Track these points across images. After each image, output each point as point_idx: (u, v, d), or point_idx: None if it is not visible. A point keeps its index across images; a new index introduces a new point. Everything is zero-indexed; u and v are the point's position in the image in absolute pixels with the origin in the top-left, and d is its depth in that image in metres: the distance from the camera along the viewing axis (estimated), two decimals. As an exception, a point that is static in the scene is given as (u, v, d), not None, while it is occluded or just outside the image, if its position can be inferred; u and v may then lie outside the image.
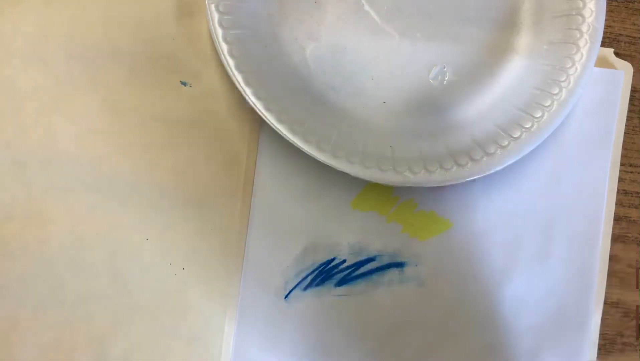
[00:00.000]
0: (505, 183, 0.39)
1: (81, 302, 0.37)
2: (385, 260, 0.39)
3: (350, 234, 0.39)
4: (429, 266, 0.39)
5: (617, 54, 0.40)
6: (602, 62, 0.40)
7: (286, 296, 0.38)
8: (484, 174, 0.36)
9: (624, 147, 0.40)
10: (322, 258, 0.39)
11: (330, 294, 0.39)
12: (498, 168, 0.36)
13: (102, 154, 0.37)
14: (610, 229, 0.40)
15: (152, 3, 0.37)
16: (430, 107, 0.39)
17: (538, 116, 0.37)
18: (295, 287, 0.38)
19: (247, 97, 0.35)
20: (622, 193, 0.40)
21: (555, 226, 0.40)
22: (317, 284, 0.39)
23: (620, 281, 0.41)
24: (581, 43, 0.37)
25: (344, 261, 0.39)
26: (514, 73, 0.39)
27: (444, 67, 0.39)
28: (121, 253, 0.37)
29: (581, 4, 0.37)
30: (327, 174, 0.38)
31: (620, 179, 0.40)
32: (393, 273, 0.39)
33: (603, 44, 0.39)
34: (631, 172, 0.41)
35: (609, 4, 0.40)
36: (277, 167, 0.38)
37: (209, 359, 0.38)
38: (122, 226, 0.37)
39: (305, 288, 0.38)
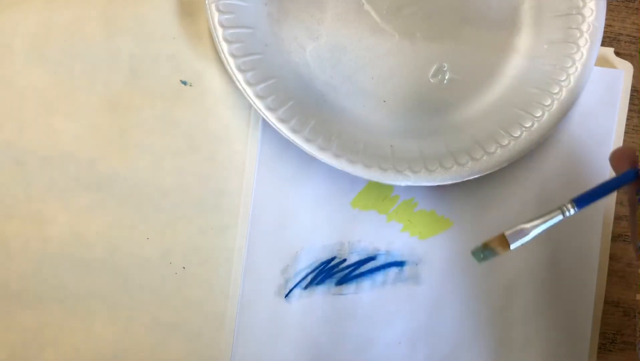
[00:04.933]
0: (505, 182, 0.39)
1: (81, 301, 0.37)
2: (386, 259, 0.39)
3: (350, 233, 0.39)
4: (429, 265, 0.39)
5: (617, 54, 0.40)
6: (602, 62, 0.40)
7: (287, 295, 0.38)
8: (485, 173, 0.36)
9: (624, 147, 0.40)
10: (323, 257, 0.39)
11: (330, 293, 0.39)
12: (498, 167, 0.36)
13: (102, 154, 0.37)
14: (610, 229, 0.40)
15: (152, 3, 0.37)
16: (431, 106, 0.39)
17: (538, 115, 0.37)
18: (295, 286, 0.38)
19: (247, 97, 0.35)
20: (622, 192, 0.40)
21: (556, 225, 0.40)
22: (318, 283, 0.39)
23: (620, 280, 0.41)
24: (581, 42, 0.37)
25: (345, 260, 0.39)
26: (514, 73, 0.39)
27: (444, 67, 0.39)
28: (121, 252, 0.37)
29: (581, 3, 0.37)
30: (328, 174, 0.38)
31: (621, 179, 0.40)
32: (393, 271, 0.39)
33: (603, 43, 0.39)
34: (631, 171, 0.40)
35: (609, 4, 0.40)
36: (277, 167, 0.38)
37: (209, 358, 0.38)
38: (122, 225, 0.37)
39: (306, 287, 0.38)
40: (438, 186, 0.36)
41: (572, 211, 0.28)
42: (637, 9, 0.41)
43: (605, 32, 0.38)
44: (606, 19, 0.38)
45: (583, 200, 0.28)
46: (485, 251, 0.28)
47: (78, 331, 0.37)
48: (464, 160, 0.36)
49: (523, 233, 0.28)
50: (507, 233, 0.28)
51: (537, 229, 0.28)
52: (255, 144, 0.38)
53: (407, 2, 0.39)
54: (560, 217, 0.28)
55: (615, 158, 0.28)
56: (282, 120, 0.35)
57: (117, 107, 0.37)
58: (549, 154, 0.39)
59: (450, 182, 0.36)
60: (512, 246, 0.27)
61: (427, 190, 0.39)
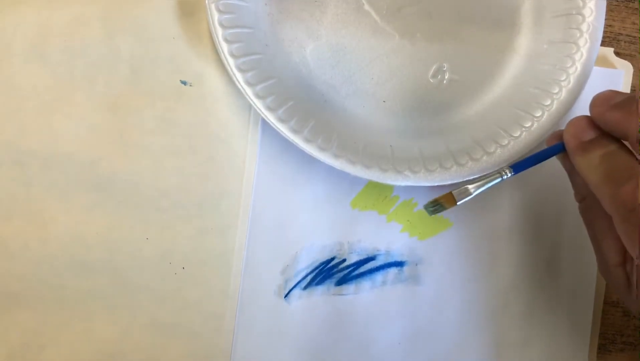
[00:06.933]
0: (505, 183, 0.39)
1: (81, 301, 0.37)
2: (385, 259, 0.39)
3: (350, 233, 0.39)
4: (428, 266, 0.39)
5: (617, 54, 0.40)
6: (602, 62, 0.40)
7: (286, 296, 0.38)
8: (484, 174, 0.36)
9: (624, 147, 0.40)
10: (322, 257, 0.39)
11: (330, 293, 0.39)
12: (498, 167, 0.36)
13: (102, 154, 0.37)
14: (611, 229, 0.40)
15: (152, 3, 0.38)
16: (430, 106, 0.39)
17: (538, 115, 0.37)
18: (295, 286, 0.38)
19: (247, 97, 0.35)
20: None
21: (556, 225, 0.40)
22: (317, 284, 0.39)
23: (621, 280, 0.41)
24: (581, 42, 0.37)
25: (344, 260, 0.39)
26: (514, 73, 0.39)
27: (444, 67, 0.39)
28: (121, 252, 0.37)
29: (581, 4, 0.37)
30: (327, 174, 0.38)
31: (621, 179, 0.40)
32: (393, 272, 0.39)
33: (603, 44, 0.39)
34: (631, 171, 0.40)
35: (609, 4, 0.40)
36: (277, 168, 0.38)
37: (208, 358, 0.38)
38: (122, 225, 0.37)
39: (305, 287, 0.38)
40: (438, 186, 0.36)
41: (509, 175, 0.32)
42: (637, 9, 0.41)
43: (605, 32, 0.38)
44: (606, 19, 0.38)
45: (519, 166, 0.33)
46: (435, 206, 0.32)
47: (78, 332, 0.37)
48: (464, 160, 0.36)
49: (467, 192, 0.32)
50: (454, 191, 0.32)
51: (479, 189, 0.32)
52: (255, 144, 0.38)
53: (407, 2, 0.39)
54: (499, 179, 0.32)
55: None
56: (282, 120, 0.35)
57: (117, 107, 0.37)
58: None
59: (449, 182, 0.36)
60: (459, 203, 0.32)
61: (427, 190, 0.39)
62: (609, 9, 0.40)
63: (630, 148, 0.29)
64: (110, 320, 0.37)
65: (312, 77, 0.38)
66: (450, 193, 0.32)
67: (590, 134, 0.30)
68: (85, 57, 0.37)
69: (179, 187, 0.38)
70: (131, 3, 0.37)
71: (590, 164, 0.30)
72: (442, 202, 0.32)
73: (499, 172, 0.32)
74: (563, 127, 0.32)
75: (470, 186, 0.32)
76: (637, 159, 0.29)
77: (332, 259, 0.39)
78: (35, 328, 0.37)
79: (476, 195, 0.32)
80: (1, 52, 0.37)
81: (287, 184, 0.38)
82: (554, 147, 0.33)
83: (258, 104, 0.35)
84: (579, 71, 0.37)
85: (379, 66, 0.39)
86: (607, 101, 0.30)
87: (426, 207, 0.33)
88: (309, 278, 0.38)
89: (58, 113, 0.37)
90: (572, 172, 0.33)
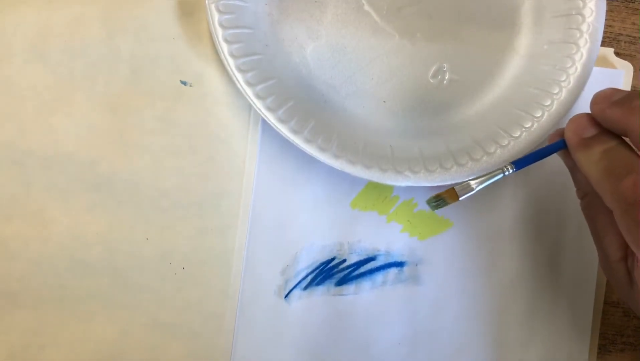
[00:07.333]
0: (505, 182, 0.39)
1: (81, 301, 0.37)
2: (385, 260, 0.39)
3: (350, 233, 0.39)
4: (428, 266, 0.39)
5: (617, 54, 0.40)
6: (602, 62, 0.40)
7: (286, 296, 0.38)
8: (484, 174, 0.36)
9: (624, 147, 0.40)
10: (322, 257, 0.39)
11: (330, 293, 0.39)
12: (498, 168, 0.36)
13: (102, 154, 0.37)
14: (611, 229, 0.40)
15: (153, 3, 0.37)
16: (430, 106, 0.39)
17: (538, 115, 0.37)
18: (295, 286, 0.38)
19: (247, 97, 0.35)
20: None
21: (556, 224, 0.40)
22: (318, 284, 0.39)
23: (621, 280, 0.41)
24: (581, 43, 0.37)
25: (344, 260, 0.39)
26: (514, 73, 0.39)
27: (444, 67, 0.39)
28: (121, 252, 0.37)
29: (581, 4, 0.37)
30: (327, 174, 0.38)
31: (621, 179, 0.40)
32: (393, 272, 0.39)
33: (603, 44, 0.39)
34: (631, 172, 0.40)
35: (609, 4, 0.40)
36: (277, 168, 0.38)
37: (208, 358, 0.38)
38: (122, 225, 0.37)
39: (306, 288, 0.38)
40: (438, 186, 0.36)
41: (510, 171, 0.33)
42: (637, 9, 0.41)
43: (605, 32, 0.38)
44: (606, 20, 0.38)
45: (521, 162, 0.34)
46: (438, 201, 0.33)
47: (77, 332, 0.37)
48: (464, 160, 0.36)
49: (469, 187, 0.33)
50: (456, 187, 0.33)
51: (481, 185, 0.33)
52: (255, 145, 0.38)
53: (407, 2, 0.39)
54: (501, 175, 0.33)
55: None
56: (282, 120, 0.35)
57: (117, 107, 0.37)
58: (549, 154, 0.39)
59: (450, 182, 0.36)
60: (461, 198, 0.33)
61: (427, 191, 0.39)
62: (609, 10, 0.40)
63: (631, 144, 0.30)
64: (110, 320, 0.37)
65: (312, 77, 0.38)
66: (453, 188, 0.33)
67: (591, 131, 0.31)
68: (85, 57, 0.37)
69: (179, 187, 0.38)
70: (131, 3, 0.37)
71: (591, 160, 0.30)
72: (444, 197, 0.33)
73: (501, 169, 0.33)
74: (563, 127, 0.32)
75: (472, 182, 0.33)
76: (637, 154, 0.29)
77: (332, 259, 0.39)
78: (35, 328, 0.37)
79: (477, 193, 0.33)
80: (1, 52, 0.37)
81: (287, 184, 0.38)
82: (556, 144, 0.33)
83: (258, 104, 0.35)
84: (579, 71, 0.37)
85: (379, 66, 0.39)
86: (607, 98, 0.30)
87: (428, 202, 0.34)
88: (309, 278, 0.38)
89: (58, 113, 0.37)
90: (574, 169, 0.34)
